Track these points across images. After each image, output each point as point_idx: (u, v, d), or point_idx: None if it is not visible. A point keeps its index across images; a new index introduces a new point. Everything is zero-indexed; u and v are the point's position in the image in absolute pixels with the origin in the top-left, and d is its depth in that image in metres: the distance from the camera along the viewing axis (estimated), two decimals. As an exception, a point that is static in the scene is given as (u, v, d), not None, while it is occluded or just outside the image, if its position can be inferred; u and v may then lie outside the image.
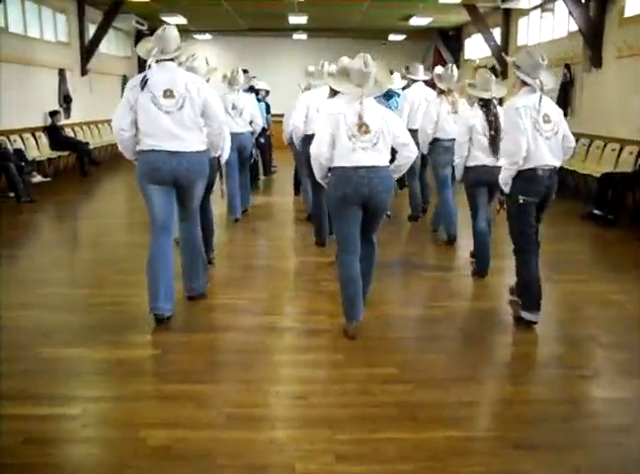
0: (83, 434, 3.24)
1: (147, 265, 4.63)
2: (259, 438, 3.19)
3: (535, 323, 4.62)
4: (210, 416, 3.39)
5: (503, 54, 13.12)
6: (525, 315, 4.64)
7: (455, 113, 6.90)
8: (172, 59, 4.57)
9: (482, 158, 5.67)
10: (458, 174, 5.90)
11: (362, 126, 4.24)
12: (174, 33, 4.55)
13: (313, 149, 4.38)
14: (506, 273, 6.01)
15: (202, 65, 5.93)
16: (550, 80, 4.80)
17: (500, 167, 5.37)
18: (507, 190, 4.65)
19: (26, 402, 3.50)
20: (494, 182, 5.45)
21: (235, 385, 3.76)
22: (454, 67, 7.07)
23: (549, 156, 4.54)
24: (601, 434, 3.28)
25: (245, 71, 11.10)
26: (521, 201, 4.56)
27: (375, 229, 4.57)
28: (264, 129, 11.23)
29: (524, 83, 4.59)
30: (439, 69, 7.37)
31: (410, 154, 4.44)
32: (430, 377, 3.89)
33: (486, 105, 5.72)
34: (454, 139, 6.01)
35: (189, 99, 4.47)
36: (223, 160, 5.76)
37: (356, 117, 4.22)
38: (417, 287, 5.67)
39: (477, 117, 5.70)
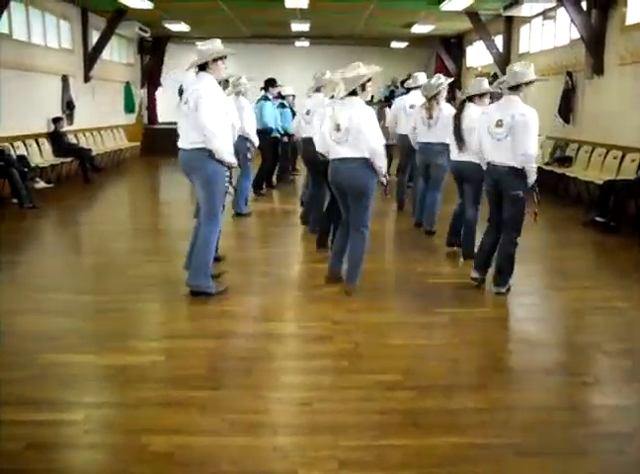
0: (86, 439, 3.25)
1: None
2: (262, 445, 3.19)
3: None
4: (213, 422, 3.39)
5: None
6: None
7: (430, 118, 7.49)
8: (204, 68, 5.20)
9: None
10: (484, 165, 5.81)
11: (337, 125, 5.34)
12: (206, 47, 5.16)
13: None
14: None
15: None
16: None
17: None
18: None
19: (29, 408, 3.51)
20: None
21: (238, 392, 3.76)
22: (442, 76, 7.59)
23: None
24: (604, 442, 3.28)
25: (273, 80, 11.41)
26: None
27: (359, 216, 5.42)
28: (288, 135, 11.41)
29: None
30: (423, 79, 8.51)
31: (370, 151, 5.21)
32: (433, 384, 3.89)
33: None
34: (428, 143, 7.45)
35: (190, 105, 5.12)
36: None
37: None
38: (419, 294, 5.66)
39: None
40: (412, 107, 8.52)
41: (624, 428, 3.42)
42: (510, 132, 5.17)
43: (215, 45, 5.15)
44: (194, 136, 5.11)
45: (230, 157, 5.25)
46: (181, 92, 4.78)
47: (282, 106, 11.94)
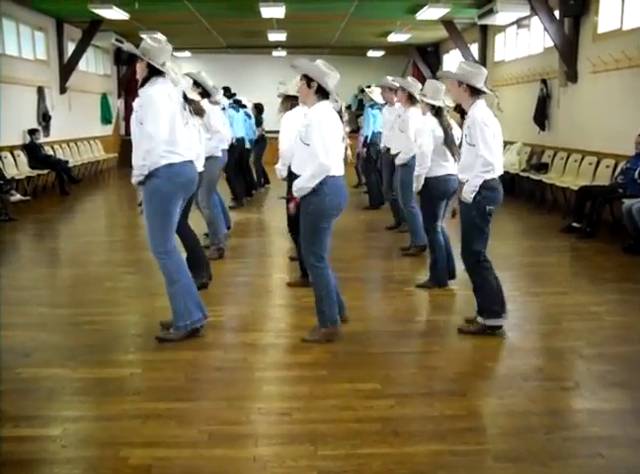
0: (63, 454, 3.21)
1: (180, 272, 4.67)
2: (242, 456, 3.17)
3: (502, 326, 4.77)
4: (192, 434, 3.36)
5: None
6: (492, 322, 4.74)
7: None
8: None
9: (447, 168, 5.76)
10: (419, 185, 5.86)
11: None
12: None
13: (325, 160, 4.31)
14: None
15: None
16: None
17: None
18: (470, 199, 4.60)
19: (5, 423, 3.45)
20: (453, 191, 5.71)
21: (217, 403, 3.74)
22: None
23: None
24: (583, 446, 3.30)
25: (227, 89, 11.22)
26: (487, 211, 4.64)
27: None
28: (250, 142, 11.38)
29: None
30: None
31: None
32: (412, 392, 3.89)
33: (438, 113, 5.81)
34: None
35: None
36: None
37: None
38: (398, 302, 5.67)
39: (439, 125, 5.76)
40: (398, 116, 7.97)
41: (603, 431, 3.44)
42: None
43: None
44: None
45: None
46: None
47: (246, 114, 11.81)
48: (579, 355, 4.51)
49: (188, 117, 4.72)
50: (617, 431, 3.46)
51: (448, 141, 5.75)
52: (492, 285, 4.73)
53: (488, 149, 4.51)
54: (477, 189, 4.56)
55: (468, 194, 4.59)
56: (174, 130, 4.44)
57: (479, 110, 4.59)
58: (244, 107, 11.75)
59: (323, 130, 4.29)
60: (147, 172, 4.38)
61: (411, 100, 7.15)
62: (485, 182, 4.55)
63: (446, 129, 5.78)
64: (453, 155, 5.67)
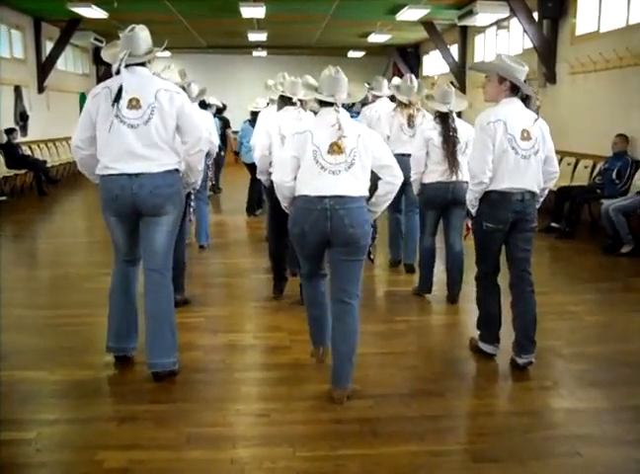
0: (37, 458, 3.16)
1: (109, 298, 4.18)
2: (220, 458, 3.14)
3: (494, 355, 4.42)
4: (170, 436, 3.33)
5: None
6: (483, 346, 4.46)
7: (412, 127, 6.42)
8: (143, 64, 3.94)
9: (439, 174, 5.46)
10: (415, 189, 5.69)
11: (334, 145, 3.61)
12: (144, 33, 3.95)
13: (275, 176, 3.85)
14: (467, 286, 6.05)
15: (175, 78, 5.70)
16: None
17: (460, 182, 5.40)
18: (473, 212, 4.27)
19: (-21, 427, 3.41)
20: (451, 199, 5.49)
21: (195, 404, 3.70)
22: (413, 77, 6.65)
23: (523, 178, 4.10)
24: (562, 445, 3.30)
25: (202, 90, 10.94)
26: (484, 228, 4.21)
27: (352, 282, 3.75)
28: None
29: (513, 89, 4.10)
30: (396, 80, 7.26)
31: (392, 179, 3.75)
32: (391, 392, 3.88)
33: (444, 118, 5.46)
34: (405, 155, 5.72)
35: (158, 110, 3.81)
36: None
37: (329, 134, 3.62)
38: (377, 303, 5.66)
39: (435, 130, 5.47)
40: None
41: (580, 430, 3.46)
42: (537, 145, 4.13)
43: None
44: (165, 156, 3.97)
45: None
46: (119, 95, 3.82)
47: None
48: (558, 354, 4.53)
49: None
50: (595, 429, 3.47)
51: (448, 148, 5.40)
52: (487, 311, 4.44)
53: (475, 158, 4.13)
54: (473, 202, 4.23)
55: (469, 207, 4.30)
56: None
57: (501, 108, 4.08)
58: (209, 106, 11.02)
59: None
60: None
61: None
62: (485, 194, 4.14)
63: (448, 136, 5.41)
64: (450, 162, 5.39)
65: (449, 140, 5.41)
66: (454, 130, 5.44)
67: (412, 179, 5.61)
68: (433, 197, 5.56)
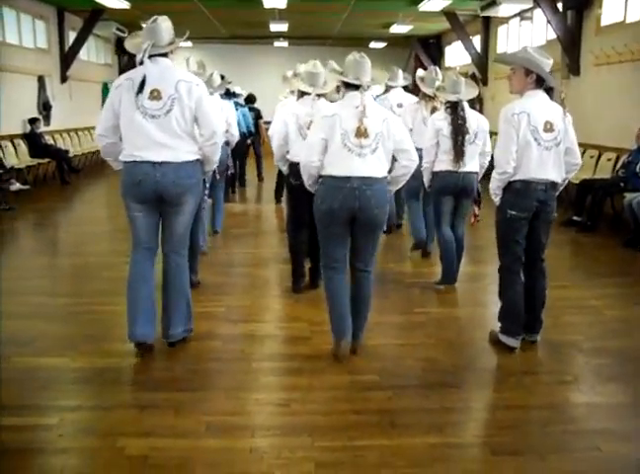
0: (60, 444, 3.20)
1: (128, 286, 4.22)
2: (238, 447, 3.16)
3: (515, 348, 4.38)
4: (189, 424, 3.36)
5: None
6: (504, 339, 4.42)
7: None
8: (165, 54, 4.04)
9: (448, 163, 5.53)
10: (426, 179, 5.75)
11: (360, 128, 3.88)
12: (166, 24, 4.05)
13: (303, 157, 4.10)
14: (486, 279, 6.03)
15: (193, 70, 5.78)
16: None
17: (469, 173, 5.52)
18: (496, 201, 4.32)
19: (2, 412, 3.45)
20: (461, 187, 5.57)
21: (215, 393, 3.73)
22: (438, 69, 6.68)
23: (545, 169, 4.15)
24: (581, 439, 3.29)
25: (222, 77, 10.97)
26: (508, 216, 4.25)
27: (370, 254, 4.17)
28: (245, 136, 11.17)
29: (538, 81, 4.12)
30: (421, 72, 7.22)
31: (409, 163, 4.07)
32: (410, 384, 3.89)
33: (453, 108, 5.52)
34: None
35: (178, 101, 3.92)
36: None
37: (355, 118, 3.88)
38: (396, 295, 5.66)
39: (445, 120, 5.52)
40: (400, 106, 7.47)
41: (600, 425, 3.44)
42: (560, 137, 4.18)
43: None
44: (186, 145, 4.10)
45: None
46: (142, 85, 3.92)
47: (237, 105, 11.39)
48: (578, 348, 4.51)
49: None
50: (615, 424, 3.45)
51: (458, 138, 5.45)
52: (510, 303, 4.39)
53: (500, 148, 4.17)
54: (496, 191, 4.29)
55: (492, 196, 4.36)
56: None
57: (525, 101, 4.12)
58: (235, 96, 11.21)
59: None
60: None
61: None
62: (509, 184, 4.20)
63: (457, 126, 5.46)
64: (457, 152, 5.44)
65: (459, 130, 5.48)
66: (464, 120, 5.50)
67: (422, 168, 5.62)
68: (445, 184, 5.64)
